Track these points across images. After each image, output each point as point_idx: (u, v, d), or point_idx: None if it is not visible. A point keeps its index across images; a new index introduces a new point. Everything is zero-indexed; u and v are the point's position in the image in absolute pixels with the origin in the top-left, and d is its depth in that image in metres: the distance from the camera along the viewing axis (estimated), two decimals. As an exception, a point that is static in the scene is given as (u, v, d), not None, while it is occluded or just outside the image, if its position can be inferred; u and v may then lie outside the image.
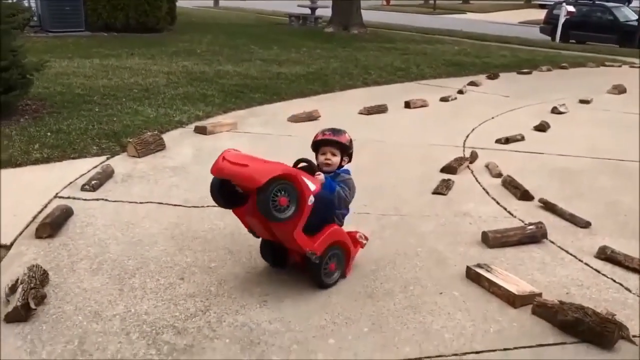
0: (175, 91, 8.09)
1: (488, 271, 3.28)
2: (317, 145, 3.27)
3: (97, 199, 4.28)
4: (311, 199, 2.83)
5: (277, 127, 6.72)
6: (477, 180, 5.09)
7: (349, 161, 3.31)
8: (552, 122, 7.31)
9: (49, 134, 5.71)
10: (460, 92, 9.41)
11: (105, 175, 4.68)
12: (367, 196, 4.58)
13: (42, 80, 7.95)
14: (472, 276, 3.30)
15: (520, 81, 11.19)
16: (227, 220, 3.97)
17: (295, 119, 7.05)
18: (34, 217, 3.91)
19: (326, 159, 3.20)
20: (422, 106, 8.21)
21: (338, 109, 7.81)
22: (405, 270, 3.42)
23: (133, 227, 3.86)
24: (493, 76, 11.25)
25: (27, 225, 3.79)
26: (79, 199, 4.26)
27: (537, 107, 8.47)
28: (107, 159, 5.22)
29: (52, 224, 3.66)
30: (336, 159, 3.20)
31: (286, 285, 3.21)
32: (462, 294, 3.18)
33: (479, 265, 3.35)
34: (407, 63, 12.14)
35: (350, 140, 3.26)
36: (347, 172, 3.25)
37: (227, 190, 2.98)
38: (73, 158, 5.17)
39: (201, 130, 6.22)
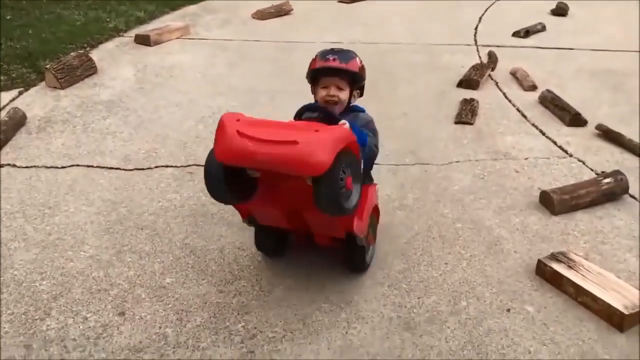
0: (110, -17, 6.51)
1: (570, 267, 2.27)
2: (316, 75, 2.26)
3: (2, 165, 3.08)
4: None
5: (241, 28, 5.40)
6: (506, 97, 3.96)
7: (360, 95, 2.36)
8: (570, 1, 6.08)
9: (-61, 60, 4.33)
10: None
11: (14, 124, 3.43)
12: (371, 133, 3.45)
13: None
14: (547, 275, 2.29)
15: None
16: (187, 190, 2.85)
17: (261, 15, 5.69)
18: None
19: (330, 96, 2.21)
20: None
21: (313, -3, 6.41)
22: (448, 270, 2.37)
23: (51, 213, 2.71)
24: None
25: None
26: (-26, 167, 3.06)
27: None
28: (20, 93, 3.93)
29: None
30: (344, 95, 2.24)
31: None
32: (539, 309, 2.16)
33: (553, 257, 2.33)
34: None
35: (363, 67, 2.28)
36: (363, 110, 2.35)
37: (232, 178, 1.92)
38: (-29, 96, 3.88)
39: (144, 41, 4.86)
